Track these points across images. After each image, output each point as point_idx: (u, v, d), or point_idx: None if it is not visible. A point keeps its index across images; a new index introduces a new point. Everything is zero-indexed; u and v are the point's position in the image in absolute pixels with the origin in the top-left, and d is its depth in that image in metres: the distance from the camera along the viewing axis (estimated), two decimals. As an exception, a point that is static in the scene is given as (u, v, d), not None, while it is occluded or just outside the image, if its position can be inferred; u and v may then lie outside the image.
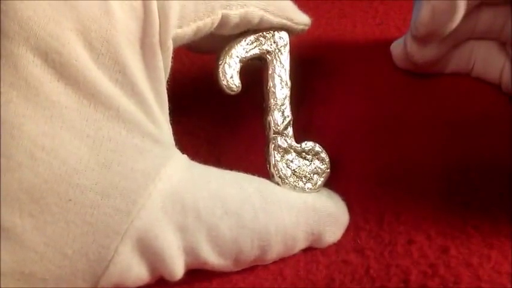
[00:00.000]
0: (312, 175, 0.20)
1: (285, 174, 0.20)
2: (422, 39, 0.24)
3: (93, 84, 0.16)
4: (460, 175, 0.22)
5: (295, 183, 0.20)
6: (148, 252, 0.17)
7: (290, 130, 0.21)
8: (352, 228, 0.21)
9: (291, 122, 0.21)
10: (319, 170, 0.21)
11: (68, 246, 0.16)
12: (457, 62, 0.26)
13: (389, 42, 0.27)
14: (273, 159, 0.20)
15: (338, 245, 0.20)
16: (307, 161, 0.21)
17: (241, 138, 0.25)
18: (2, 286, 0.15)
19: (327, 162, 0.21)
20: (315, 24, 0.23)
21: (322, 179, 0.21)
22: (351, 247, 0.20)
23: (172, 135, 0.18)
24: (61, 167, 0.15)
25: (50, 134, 0.15)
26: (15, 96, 0.15)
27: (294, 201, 0.19)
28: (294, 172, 0.20)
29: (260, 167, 0.20)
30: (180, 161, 0.18)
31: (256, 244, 0.18)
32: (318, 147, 0.21)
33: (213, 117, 0.26)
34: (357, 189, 0.22)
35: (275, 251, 0.19)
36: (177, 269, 0.17)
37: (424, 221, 0.20)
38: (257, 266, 0.19)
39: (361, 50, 0.29)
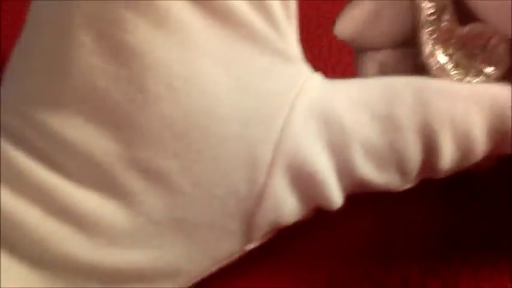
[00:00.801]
0: (482, 65, 0.16)
1: (444, 66, 0.16)
2: None
3: (223, 2, 0.14)
4: (460, 175, 0.22)
5: (458, 76, 0.16)
6: (300, 179, 0.15)
7: (449, 12, 0.16)
8: (352, 228, 0.21)
9: (451, 3, 0.17)
10: (494, 59, 0.16)
11: (217, 186, 0.14)
12: None
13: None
14: (429, 48, 0.16)
15: (338, 245, 0.20)
16: (475, 49, 0.16)
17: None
18: (158, 235, 0.14)
19: (503, 49, 0.16)
20: (315, 24, 0.23)
21: (497, 69, 0.16)
22: (351, 247, 0.20)
23: (299, 48, 0.16)
24: (201, 96, 0.14)
25: (184, 60, 0.14)
26: (142, 22, 0.13)
27: (459, 90, 0.16)
28: (457, 63, 0.16)
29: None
30: (313, 76, 0.16)
31: (419, 146, 0.15)
32: (490, 29, 0.16)
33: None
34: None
35: (446, 153, 0.15)
36: (334, 194, 0.15)
37: (424, 221, 0.20)
38: (256, 266, 0.19)
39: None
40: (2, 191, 0.14)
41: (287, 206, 0.15)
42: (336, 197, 0.15)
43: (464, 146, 0.16)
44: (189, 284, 0.16)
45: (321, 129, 0.15)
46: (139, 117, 0.14)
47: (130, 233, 0.14)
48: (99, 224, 0.14)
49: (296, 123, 0.15)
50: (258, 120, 0.14)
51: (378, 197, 0.22)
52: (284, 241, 0.20)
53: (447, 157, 0.16)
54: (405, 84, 0.16)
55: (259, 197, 0.15)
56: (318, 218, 0.21)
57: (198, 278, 0.16)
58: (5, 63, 0.16)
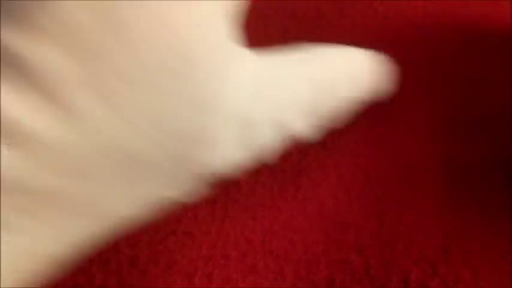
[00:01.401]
0: None
1: None
2: None
3: None
4: (460, 175, 0.22)
5: None
6: (244, 132, 0.16)
7: None
8: (353, 228, 0.21)
9: None
10: None
11: (170, 127, 0.14)
12: None
13: (389, 43, 0.27)
14: None
15: (338, 245, 0.20)
16: None
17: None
18: (100, 166, 0.14)
19: None
20: (314, 24, 0.23)
21: None
22: (351, 247, 0.20)
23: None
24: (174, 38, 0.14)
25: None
26: None
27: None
28: None
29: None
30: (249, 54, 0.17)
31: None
32: None
33: None
34: (357, 189, 0.22)
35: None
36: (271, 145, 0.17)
37: (424, 221, 0.20)
38: (257, 266, 0.19)
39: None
40: None
41: (231, 157, 0.16)
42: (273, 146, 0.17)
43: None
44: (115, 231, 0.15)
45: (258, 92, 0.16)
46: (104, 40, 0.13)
47: (74, 154, 0.13)
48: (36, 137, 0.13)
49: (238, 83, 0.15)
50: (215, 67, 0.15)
51: (379, 197, 0.22)
52: (284, 241, 0.20)
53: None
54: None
55: (206, 144, 0.15)
56: (318, 218, 0.21)
57: (128, 226, 0.15)
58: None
